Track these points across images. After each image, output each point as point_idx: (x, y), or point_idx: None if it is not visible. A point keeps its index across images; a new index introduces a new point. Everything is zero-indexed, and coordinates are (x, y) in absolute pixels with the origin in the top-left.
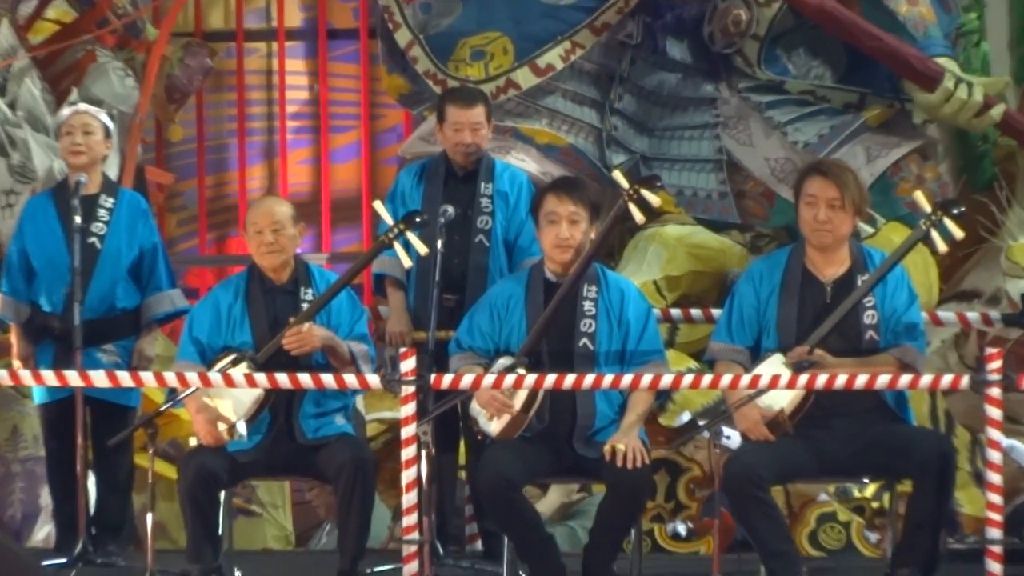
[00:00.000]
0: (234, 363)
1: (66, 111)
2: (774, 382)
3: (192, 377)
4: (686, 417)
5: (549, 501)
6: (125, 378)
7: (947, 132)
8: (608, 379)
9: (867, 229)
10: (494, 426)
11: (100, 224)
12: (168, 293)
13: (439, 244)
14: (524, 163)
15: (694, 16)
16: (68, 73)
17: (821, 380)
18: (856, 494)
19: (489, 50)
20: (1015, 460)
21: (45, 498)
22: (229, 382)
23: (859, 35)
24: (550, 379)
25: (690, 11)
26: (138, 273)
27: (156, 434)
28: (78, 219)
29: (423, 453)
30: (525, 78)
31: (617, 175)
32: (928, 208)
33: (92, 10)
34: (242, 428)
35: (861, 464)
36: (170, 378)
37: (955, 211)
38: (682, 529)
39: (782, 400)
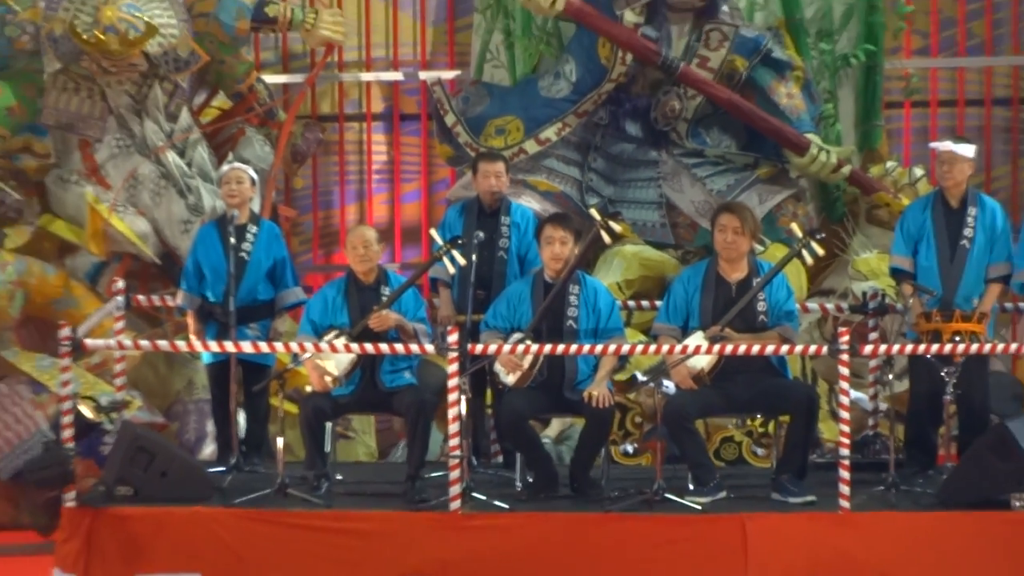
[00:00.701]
0: (336, 336)
1: (225, 167)
2: (697, 350)
3: (308, 346)
4: (637, 374)
5: (552, 428)
6: (264, 347)
7: (813, 183)
8: (586, 348)
9: (759, 248)
10: (510, 379)
11: (247, 244)
12: (293, 289)
13: (473, 257)
14: (530, 203)
15: (644, 106)
16: (226, 143)
17: (729, 348)
18: (748, 423)
19: (507, 128)
20: (857, 404)
21: (210, 427)
22: (333, 349)
23: (754, 118)
24: (547, 347)
25: (641, 102)
26: (273, 276)
27: (285, 384)
28: (233, 240)
29: (463, 397)
30: (531, 147)
31: (593, 212)
32: (800, 234)
33: (243, 101)
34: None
35: (755, 405)
36: (294, 346)
37: (818, 236)
38: (629, 449)
39: (703, 362)
